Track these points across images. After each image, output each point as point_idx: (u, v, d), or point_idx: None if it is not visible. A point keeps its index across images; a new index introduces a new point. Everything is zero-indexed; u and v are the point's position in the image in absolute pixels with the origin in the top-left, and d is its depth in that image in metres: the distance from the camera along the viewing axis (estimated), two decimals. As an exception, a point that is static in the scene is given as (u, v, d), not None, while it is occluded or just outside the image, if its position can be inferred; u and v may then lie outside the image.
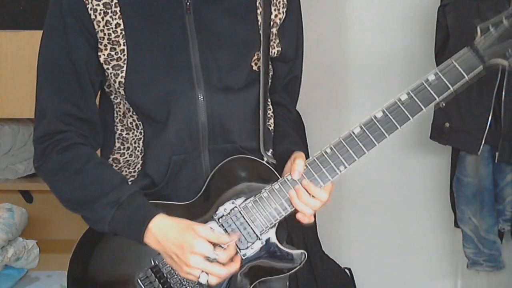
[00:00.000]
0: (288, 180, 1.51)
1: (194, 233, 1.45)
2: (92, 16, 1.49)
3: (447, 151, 2.80)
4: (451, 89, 1.49)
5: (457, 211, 2.66)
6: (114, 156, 1.60)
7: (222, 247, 1.47)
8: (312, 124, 3.04)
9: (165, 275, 1.53)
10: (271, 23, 1.58)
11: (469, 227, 2.62)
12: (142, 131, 1.56)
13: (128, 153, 1.60)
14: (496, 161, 2.46)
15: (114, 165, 1.60)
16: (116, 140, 1.60)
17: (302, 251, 1.55)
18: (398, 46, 3.05)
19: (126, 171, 1.59)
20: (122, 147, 1.60)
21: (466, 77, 1.49)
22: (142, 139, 1.56)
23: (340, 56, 3.09)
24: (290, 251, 1.55)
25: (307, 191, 1.50)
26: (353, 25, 3.07)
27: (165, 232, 1.46)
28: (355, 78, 3.10)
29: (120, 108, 1.58)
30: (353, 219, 3.17)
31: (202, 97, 1.52)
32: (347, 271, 3.10)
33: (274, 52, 1.61)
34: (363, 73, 3.08)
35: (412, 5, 3.00)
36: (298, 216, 1.52)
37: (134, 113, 1.55)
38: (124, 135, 1.60)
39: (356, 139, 1.50)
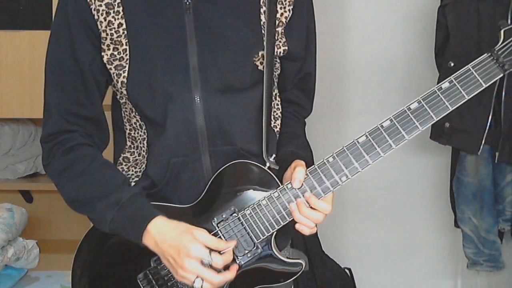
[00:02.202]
0: (287, 188, 1.47)
1: (191, 236, 1.44)
2: (96, 17, 1.49)
3: (447, 151, 2.80)
4: (467, 98, 1.41)
5: (457, 211, 2.66)
6: (124, 155, 1.61)
7: (219, 253, 1.45)
8: (311, 125, 3.03)
9: (162, 277, 1.53)
10: (277, 22, 1.56)
11: (469, 227, 2.62)
12: (145, 131, 1.56)
13: (137, 152, 1.60)
14: (496, 161, 2.46)
15: (124, 163, 1.61)
16: (127, 139, 1.61)
17: (300, 260, 1.52)
18: (398, 46, 3.05)
19: (133, 170, 1.60)
20: (132, 145, 1.61)
21: (484, 85, 1.40)
22: (146, 139, 1.57)
23: (340, 56, 3.09)
24: (287, 260, 1.52)
25: (308, 204, 1.46)
26: (353, 25, 3.07)
27: (163, 234, 1.45)
28: (355, 78, 3.10)
29: (126, 107, 1.59)
30: (353, 219, 3.17)
31: (198, 98, 1.51)
32: (347, 271, 3.10)
33: (280, 52, 1.58)
34: (363, 73, 3.08)
35: (412, 5, 3.00)
36: (297, 227, 1.47)
37: (137, 113, 1.55)
38: (132, 134, 1.60)
39: (361, 149, 1.44)
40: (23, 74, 2.74)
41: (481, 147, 2.41)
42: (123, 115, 1.60)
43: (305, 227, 1.47)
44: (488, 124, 2.39)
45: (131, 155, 1.61)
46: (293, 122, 1.67)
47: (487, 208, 2.56)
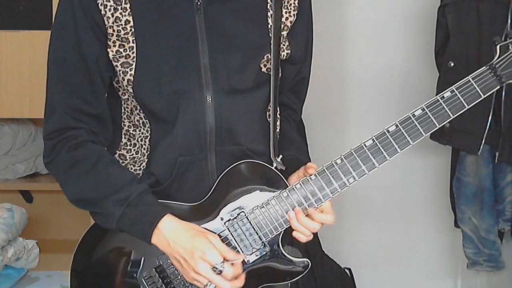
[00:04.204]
0: (296, 189, 1.50)
1: (207, 240, 1.45)
2: (103, 12, 1.48)
3: (447, 151, 2.80)
4: (467, 107, 1.50)
5: (457, 211, 2.66)
6: (120, 152, 1.60)
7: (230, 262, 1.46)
8: (310, 128, 3.03)
9: (168, 275, 1.53)
10: (282, 26, 1.57)
11: (469, 227, 2.62)
12: (149, 129, 1.56)
13: (134, 150, 1.59)
14: (496, 161, 2.46)
15: (121, 161, 1.60)
16: (123, 136, 1.60)
17: (306, 259, 1.55)
18: (398, 46, 3.05)
19: (132, 169, 1.59)
20: (128, 143, 1.60)
21: (483, 96, 1.50)
22: (149, 137, 1.56)
23: (339, 57, 3.09)
24: (294, 258, 1.54)
25: (312, 217, 1.49)
26: (352, 25, 3.07)
27: (176, 235, 1.46)
28: (354, 80, 3.09)
29: (128, 104, 1.58)
30: (353, 219, 3.17)
31: (210, 98, 1.52)
32: (347, 271, 3.10)
33: (284, 55, 1.60)
34: (362, 74, 3.07)
35: (412, 5, 3.00)
36: (294, 234, 1.51)
37: (141, 111, 1.55)
38: (131, 132, 1.59)
39: (368, 152, 1.49)
40: (23, 74, 2.73)
41: (481, 147, 2.41)
42: (122, 111, 1.60)
43: (302, 235, 1.50)
44: (488, 124, 2.40)
45: (127, 152, 1.60)
46: (289, 126, 1.70)
47: (487, 208, 2.56)
